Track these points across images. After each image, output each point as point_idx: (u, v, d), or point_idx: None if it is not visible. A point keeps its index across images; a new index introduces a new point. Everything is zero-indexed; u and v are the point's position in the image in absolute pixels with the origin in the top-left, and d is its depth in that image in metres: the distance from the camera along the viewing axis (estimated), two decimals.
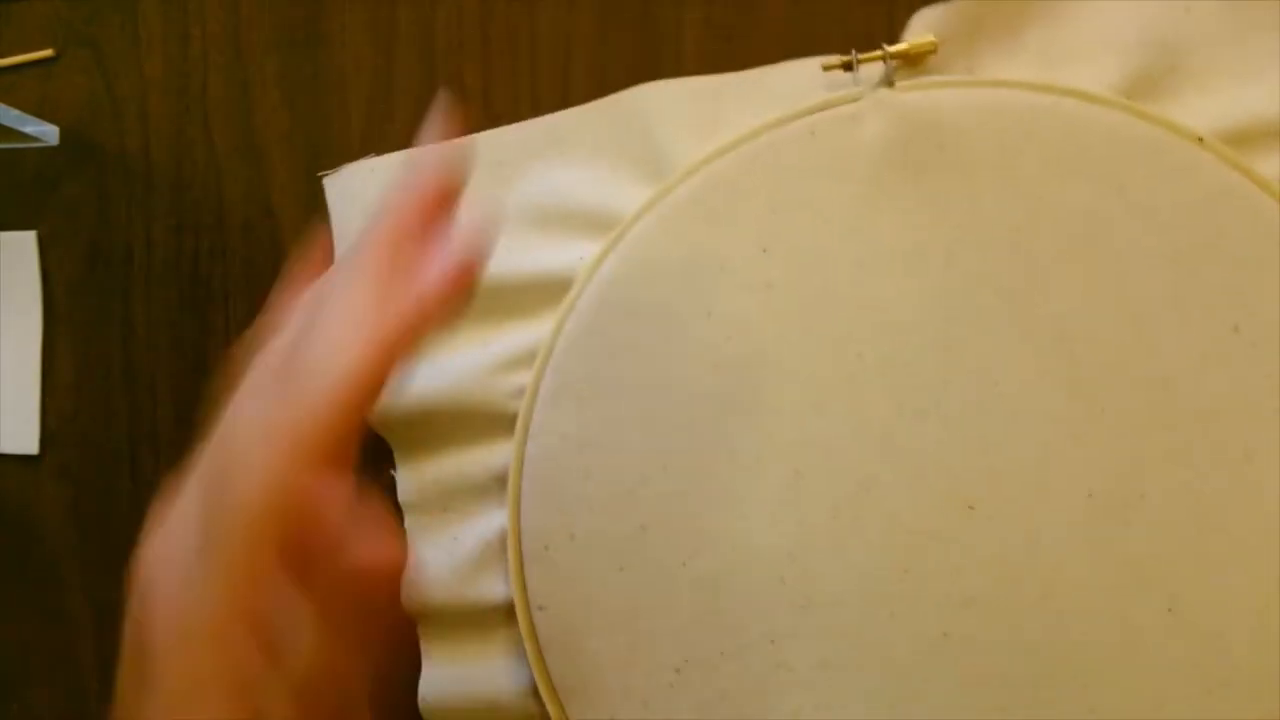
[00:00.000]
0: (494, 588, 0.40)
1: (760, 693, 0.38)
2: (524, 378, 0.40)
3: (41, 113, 0.47)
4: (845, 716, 0.37)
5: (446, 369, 0.41)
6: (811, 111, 0.38)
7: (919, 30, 0.39)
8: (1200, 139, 0.36)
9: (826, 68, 0.39)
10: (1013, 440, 0.37)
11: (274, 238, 0.46)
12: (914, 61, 0.39)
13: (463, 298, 0.30)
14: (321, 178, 0.43)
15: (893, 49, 0.38)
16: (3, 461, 0.48)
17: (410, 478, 0.42)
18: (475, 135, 0.42)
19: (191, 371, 0.46)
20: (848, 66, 0.38)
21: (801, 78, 0.40)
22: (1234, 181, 0.36)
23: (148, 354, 0.47)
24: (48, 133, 0.47)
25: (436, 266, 0.30)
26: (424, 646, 0.42)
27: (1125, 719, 0.35)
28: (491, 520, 0.41)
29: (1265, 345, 0.35)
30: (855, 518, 0.37)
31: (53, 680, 0.48)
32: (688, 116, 0.40)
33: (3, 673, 0.48)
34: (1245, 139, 0.36)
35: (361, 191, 0.43)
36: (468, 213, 0.32)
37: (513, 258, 0.41)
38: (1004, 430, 0.37)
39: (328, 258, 0.41)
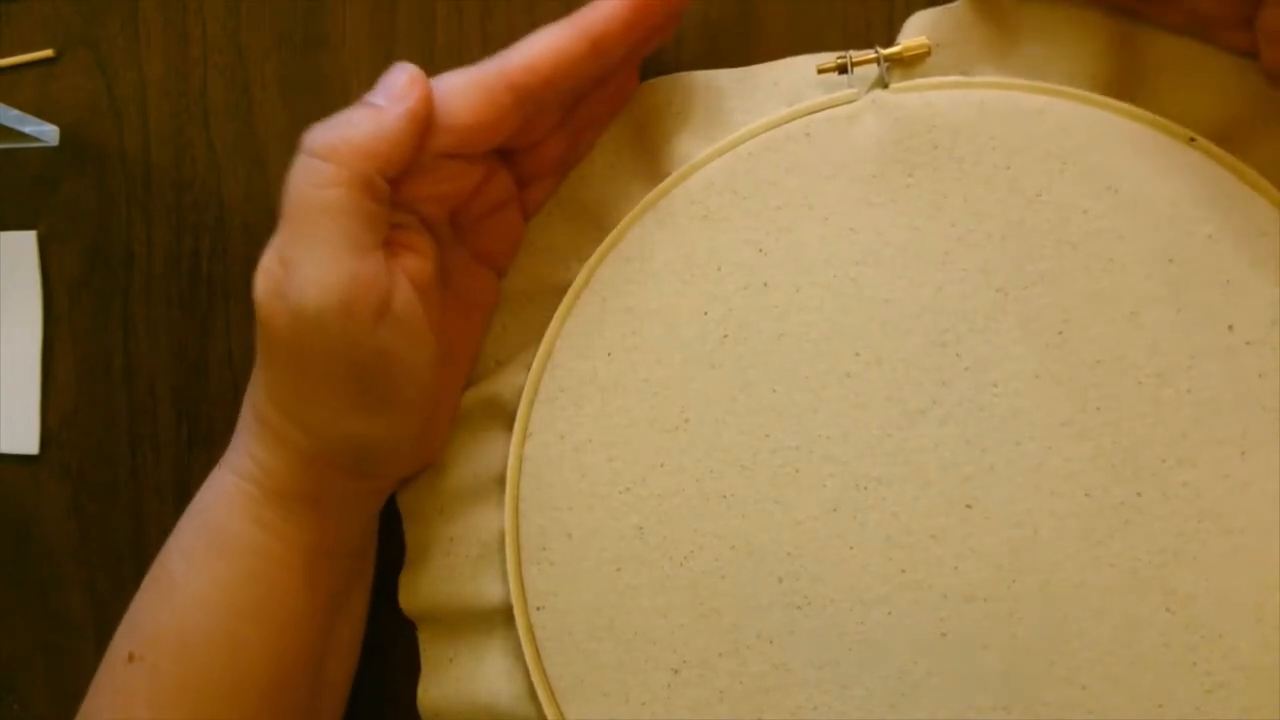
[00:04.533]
0: (492, 588, 0.40)
1: (758, 693, 0.38)
2: (522, 378, 0.40)
3: (41, 113, 0.47)
4: (844, 716, 0.37)
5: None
6: (807, 113, 0.38)
7: (913, 33, 0.39)
8: (1192, 138, 0.36)
9: (821, 70, 0.39)
10: (1010, 439, 0.37)
11: None
12: (908, 64, 0.39)
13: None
14: None
15: (886, 51, 0.38)
16: (3, 461, 0.48)
17: (408, 479, 0.42)
18: None
19: (191, 371, 0.47)
20: (842, 69, 0.39)
21: (801, 73, 0.40)
22: (1225, 180, 0.36)
23: (148, 354, 0.47)
24: (48, 133, 0.47)
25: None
26: (422, 648, 0.42)
27: (1124, 719, 0.35)
28: (489, 521, 0.41)
29: (1260, 343, 0.35)
30: (853, 517, 0.37)
31: (53, 680, 0.48)
32: (688, 112, 0.40)
33: (3, 673, 0.48)
34: (1239, 134, 0.36)
35: None
36: None
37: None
38: (1001, 429, 0.37)
39: None
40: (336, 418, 0.36)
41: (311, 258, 0.33)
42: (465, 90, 0.35)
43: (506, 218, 0.40)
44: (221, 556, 0.37)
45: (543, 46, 0.35)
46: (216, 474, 0.39)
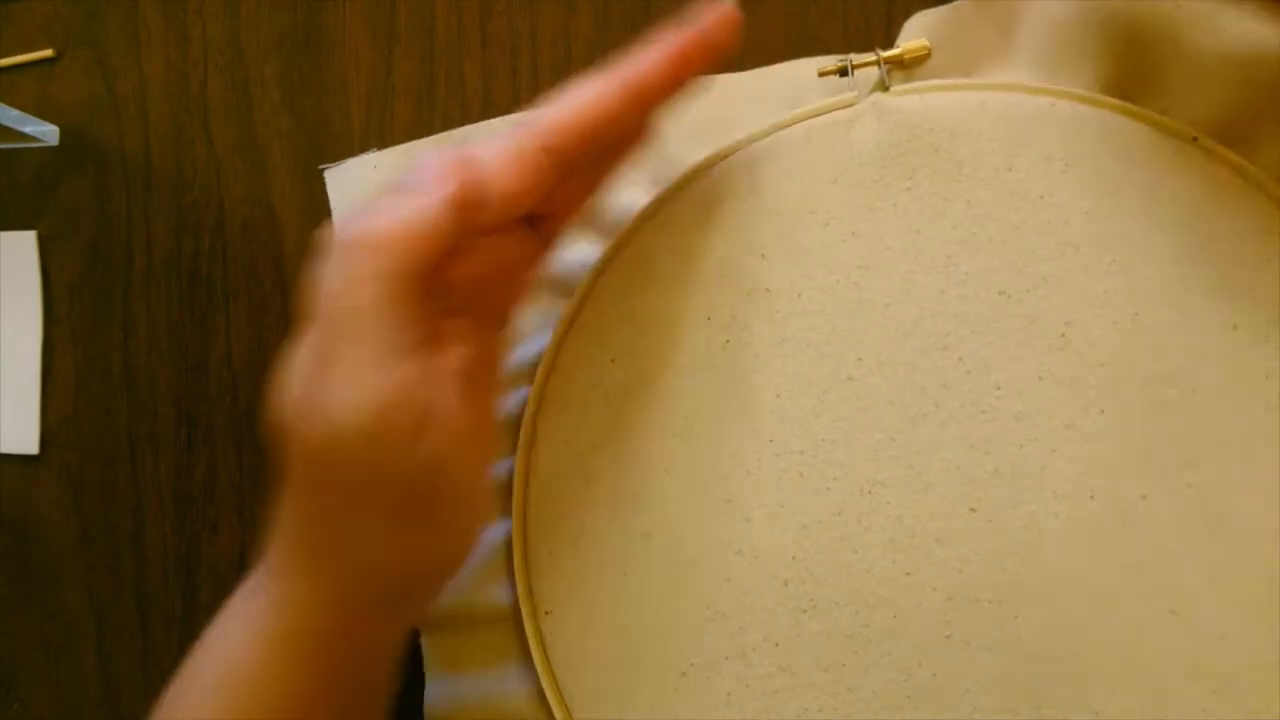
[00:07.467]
0: (501, 594, 0.40)
1: (765, 695, 0.38)
2: (526, 385, 0.40)
3: (41, 113, 0.47)
4: (849, 718, 0.37)
5: None
6: (807, 117, 0.38)
7: (912, 34, 0.39)
8: (1195, 138, 0.36)
9: (822, 73, 0.39)
10: (1013, 442, 0.37)
11: (274, 238, 0.46)
12: (908, 65, 0.39)
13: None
14: (323, 170, 0.44)
15: (886, 54, 0.38)
16: (3, 461, 0.48)
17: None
18: (476, 124, 0.43)
19: (191, 371, 0.46)
20: (843, 73, 0.38)
21: (802, 77, 0.40)
22: (1229, 180, 0.36)
23: (148, 354, 0.47)
24: (48, 133, 0.47)
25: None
26: (427, 654, 0.42)
27: None
28: (497, 527, 0.41)
29: (1265, 343, 0.35)
30: (857, 521, 0.37)
31: (53, 680, 0.48)
32: (690, 116, 0.40)
33: (3, 673, 0.48)
34: (1242, 133, 0.36)
35: (362, 185, 0.43)
36: None
37: None
38: (1004, 432, 0.37)
39: None
40: (377, 545, 0.32)
41: (341, 369, 0.30)
42: (501, 161, 0.32)
43: (523, 277, 0.37)
44: (241, 695, 0.33)
45: (578, 104, 0.33)
46: (239, 605, 0.35)
